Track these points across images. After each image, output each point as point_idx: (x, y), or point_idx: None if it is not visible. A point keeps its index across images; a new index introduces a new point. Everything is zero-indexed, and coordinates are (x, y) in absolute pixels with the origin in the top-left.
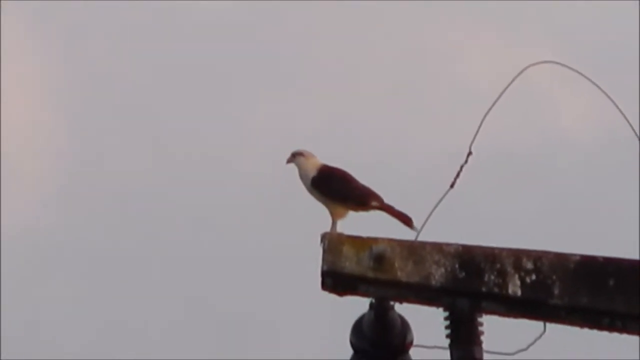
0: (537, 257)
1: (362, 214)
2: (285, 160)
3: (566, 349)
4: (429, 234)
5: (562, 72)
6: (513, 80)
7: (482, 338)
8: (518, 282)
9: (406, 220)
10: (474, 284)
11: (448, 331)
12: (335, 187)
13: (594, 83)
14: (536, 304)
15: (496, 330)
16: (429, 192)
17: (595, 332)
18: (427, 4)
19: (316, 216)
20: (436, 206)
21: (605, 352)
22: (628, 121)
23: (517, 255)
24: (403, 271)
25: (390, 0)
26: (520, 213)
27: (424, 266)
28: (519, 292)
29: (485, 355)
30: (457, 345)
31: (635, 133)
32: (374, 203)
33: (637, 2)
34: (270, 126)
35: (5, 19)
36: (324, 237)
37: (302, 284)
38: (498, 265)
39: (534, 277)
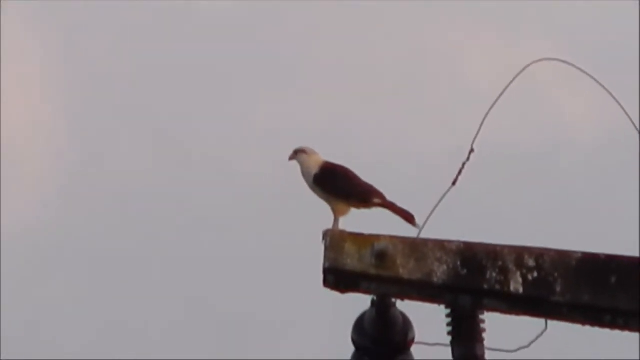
0: (539, 254)
1: (364, 211)
2: (287, 158)
3: (568, 346)
4: (431, 231)
5: (564, 71)
6: (516, 76)
7: (484, 335)
8: (520, 280)
9: (408, 218)
10: (475, 281)
11: (450, 328)
12: (338, 184)
13: (595, 80)
14: (538, 301)
15: (498, 328)
16: (429, 191)
17: (597, 329)
18: (427, 4)
19: (318, 213)
20: (438, 203)
21: (606, 350)
22: (628, 115)
23: (519, 252)
24: (405, 268)
25: (390, 0)
26: (522, 210)
27: (426, 263)
28: (521, 290)
29: (487, 353)
30: (459, 342)
31: (635, 127)
32: (376, 200)
33: (637, 2)
34: (271, 126)
35: (5, 19)
36: (326, 234)
37: (303, 281)
38: (500, 263)
39: (535, 274)
